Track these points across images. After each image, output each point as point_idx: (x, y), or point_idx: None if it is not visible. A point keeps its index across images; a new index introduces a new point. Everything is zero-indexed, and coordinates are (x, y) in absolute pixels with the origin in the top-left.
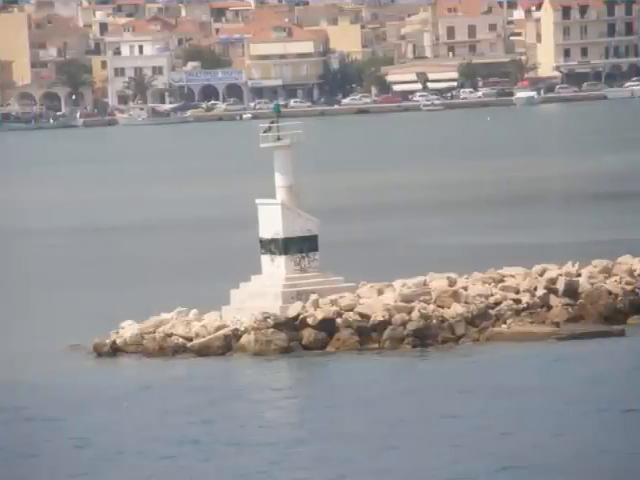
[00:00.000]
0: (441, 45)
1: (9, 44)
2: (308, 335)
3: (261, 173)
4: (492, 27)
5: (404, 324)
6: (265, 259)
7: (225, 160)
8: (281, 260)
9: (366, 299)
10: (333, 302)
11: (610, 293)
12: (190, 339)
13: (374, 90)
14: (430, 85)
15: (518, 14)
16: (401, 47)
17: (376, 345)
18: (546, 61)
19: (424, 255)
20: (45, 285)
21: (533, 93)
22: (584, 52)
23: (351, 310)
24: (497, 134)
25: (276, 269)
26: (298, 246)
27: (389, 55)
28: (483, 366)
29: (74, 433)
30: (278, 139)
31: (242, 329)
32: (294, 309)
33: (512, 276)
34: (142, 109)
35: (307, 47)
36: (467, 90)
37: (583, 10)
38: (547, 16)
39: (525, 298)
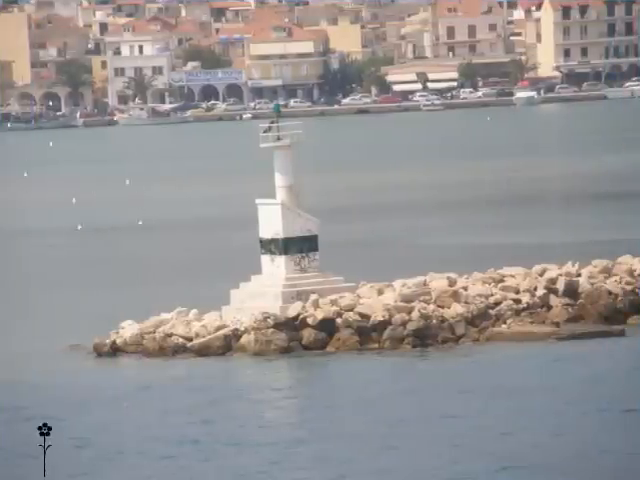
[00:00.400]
0: (441, 45)
1: (9, 44)
2: (308, 335)
3: (261, 173)
4: (492, 27)
5: (404, 324)
6: (265, 259)
7: (225, 160)
8: (281, 260)
9: (366, 299)
10: (333, 302)
11: (610, 293)
12: (190, 339)
13: (374, 90)
14: (430, 85)
15: (518, 14)
16: (401, 47)
17: (376, 345)
18: (546, 61)
19: (424, 255)
20: (45, 285)
21: (533, 93)
22: (584, 52)
23: (351, 310)
24: (497, 134)
25: (276, 269)
26: (298, 246)
27: (389, 55)
28: (483, 366)
29: (74, 433)
30: (278, 139)
31: (242, 329)
32: (294, 309)
33: (512, 276)
34: (142, 109)
35: (307, 47)
36: (467, 90)
37: (583, 10)
38: (547, 16)
39: (525, 298)
